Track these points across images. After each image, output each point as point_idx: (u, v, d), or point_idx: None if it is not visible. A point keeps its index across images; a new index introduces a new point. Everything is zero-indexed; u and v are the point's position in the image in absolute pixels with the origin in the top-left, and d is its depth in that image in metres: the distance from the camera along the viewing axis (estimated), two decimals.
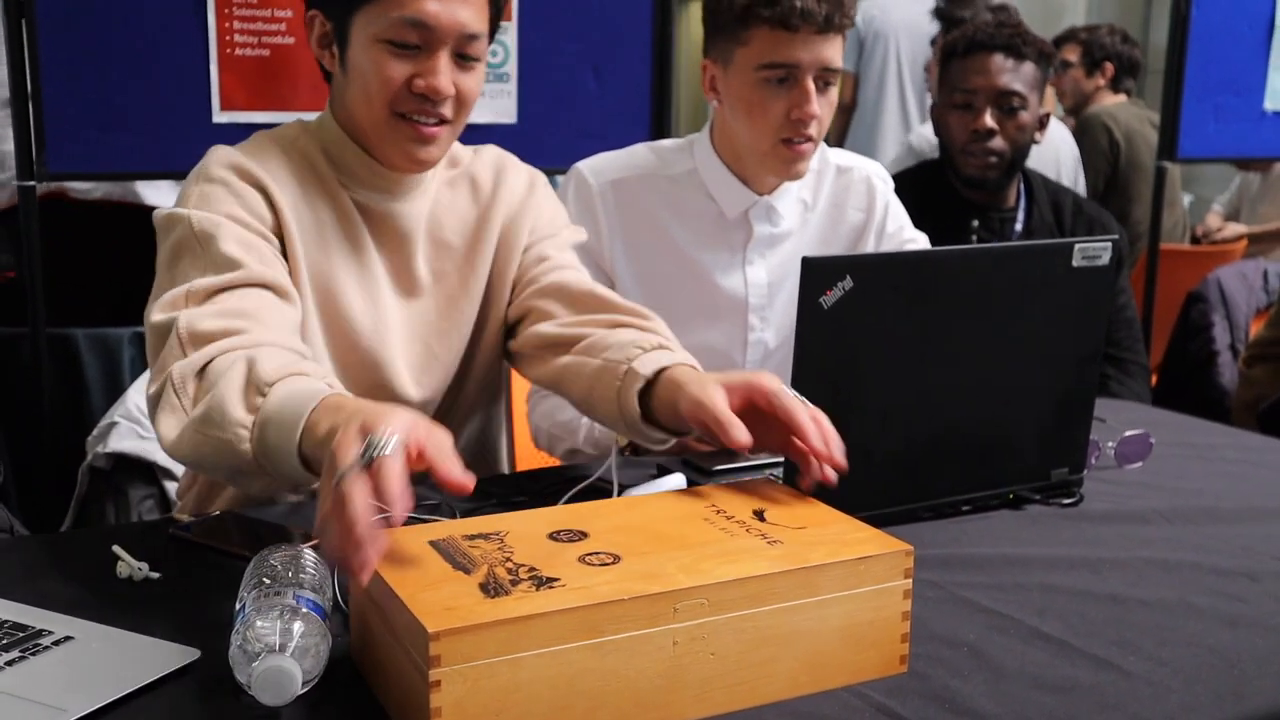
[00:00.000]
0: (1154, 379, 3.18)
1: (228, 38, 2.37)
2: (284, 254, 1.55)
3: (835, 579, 1.11)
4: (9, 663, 1.11)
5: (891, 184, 2.18)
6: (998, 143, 2.58)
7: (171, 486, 2.09)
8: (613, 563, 1.09)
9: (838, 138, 5.44)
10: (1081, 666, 1.17)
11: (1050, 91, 4.29)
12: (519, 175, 1.78)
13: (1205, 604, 1.32)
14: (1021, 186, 2.70)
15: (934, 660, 1.17)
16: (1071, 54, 4.77)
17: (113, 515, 2.07)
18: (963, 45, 2.61)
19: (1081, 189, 3.84)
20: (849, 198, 2.13)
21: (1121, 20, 6.22)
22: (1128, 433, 1.80)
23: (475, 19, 1.54)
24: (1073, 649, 1.21)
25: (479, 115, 2.55)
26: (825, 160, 2.13)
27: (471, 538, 1.14)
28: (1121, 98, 4.66)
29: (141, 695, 1.08)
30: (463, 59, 1.55)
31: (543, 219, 1.77)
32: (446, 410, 1.74)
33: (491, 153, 1.79)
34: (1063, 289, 1.57)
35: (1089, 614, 1.29)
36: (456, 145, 1.73)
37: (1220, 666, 1.18)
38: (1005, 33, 2.59)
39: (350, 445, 1.07)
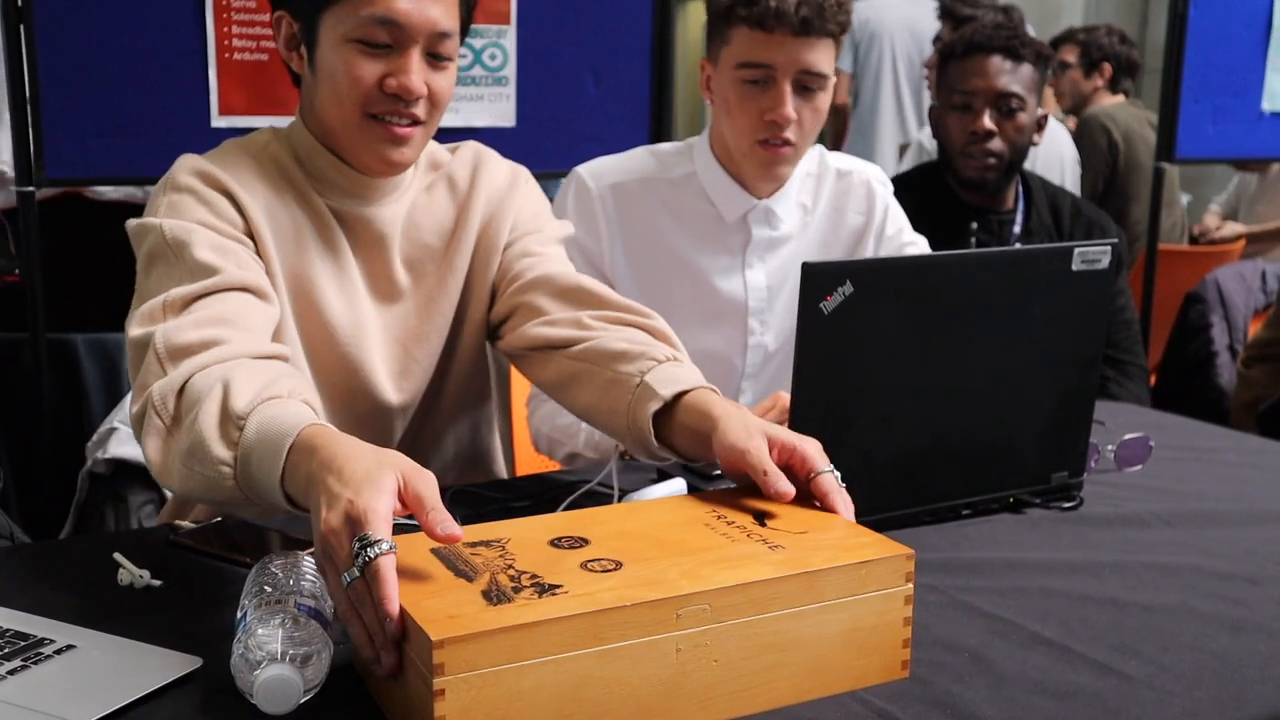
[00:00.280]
0: (1152, 380, 3.18)
1: (226, 42, 2.37)
2: (258, 254, 1.52)
3: (837, 584, 1.11)
4: (11, 672, 1.11)
5: (891, 187, 2.18)
6: (996, 144, 2.58)
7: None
8: (615, 569, 1.09)
9: (834, 138, 5.44)
10: (1083, 671, 1.17)
11: (1048, 93, 4.29)
12: (499, 170, 1.74)
13: (1206, 608, 1.32)
14: (1020, 189, 2.71)
15: (935, 665, 1.17)
16: (1070, 55, 4.78)
17: (112, 521, 2.07)
18: (960, 47, 2.61)
19: (1078, 184, 3.84)
20: (849, 201, 2.13)
21: (1119, 21, 6.22)
22: (1127, 436, 1.80)
23: (446, 17, 1.52)
24: (1074, 654, 1.21)
25: (478, 118, 2.55)
26: (825, 164, 2.13)
27: (473, 545, 1.14)
28: (1120, 98, 4.67)
29: (144, 704, 1.08)
30: (434, 58, 1.53)
31: (525, 214, 1.74)
32: (426, 412, 1.72)
33: (469, 149, 1.75)
34: (1062, 293, 1.57)
35: (1090, 618, 1.29)
36: (437, 149, 1.71)
37: (1222, 671, 1.18)
38: (1003, 34, 2.59)
39: (341, 539, 1.05)
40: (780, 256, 2.10)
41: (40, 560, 1.43)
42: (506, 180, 1.74)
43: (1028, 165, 2.73)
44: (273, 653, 1.03)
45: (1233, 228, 4.86)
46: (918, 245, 2.19)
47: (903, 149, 4.83)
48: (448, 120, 2.44)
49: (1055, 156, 3.86)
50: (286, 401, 1.25)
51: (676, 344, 1.57)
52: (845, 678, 1.12)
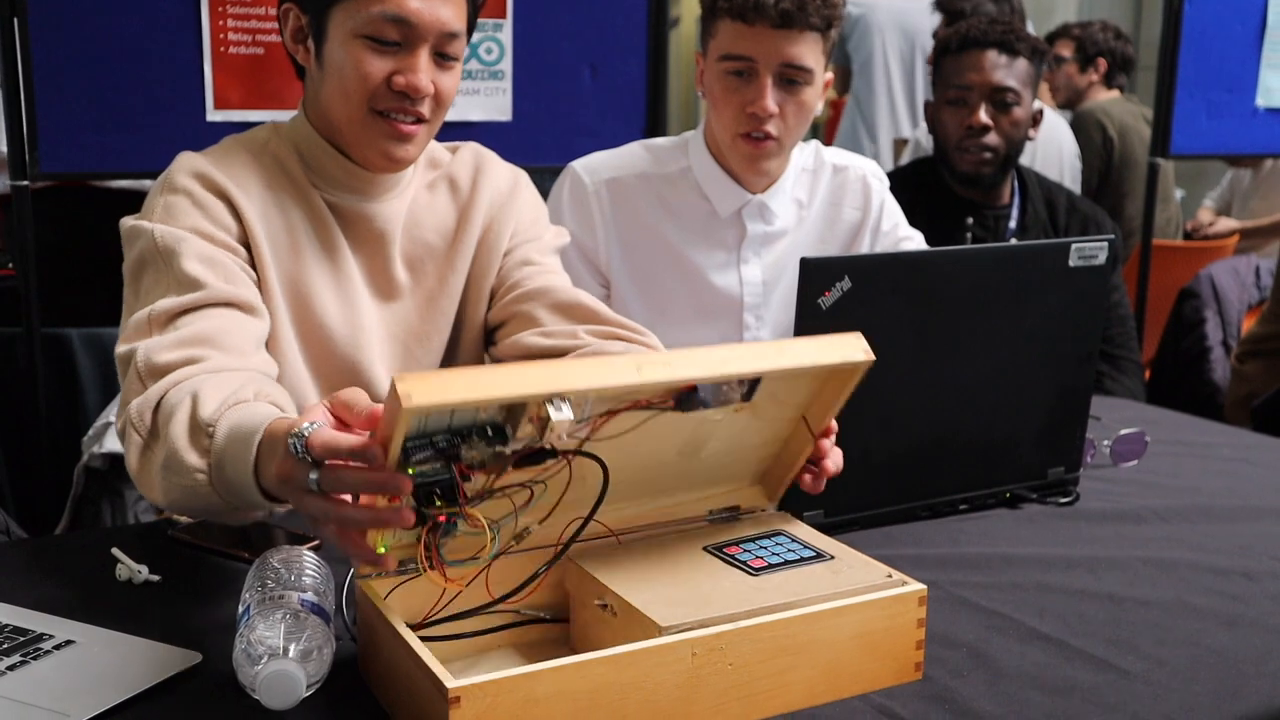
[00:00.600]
0: (1146, 375, 3.19)
1: (221, 35, 2.36)
2: (252, 263, 1.52)
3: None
4: (11, 667, 1.11)
5: (887, 182, 2.18)
6: (992, 138, 2.58)
7: None
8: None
9: (827, 131, 5.44)
10: (1080, 667, 1.18)
11: (1043, 88, 4.29)
12: (501, 173, 1.75)
13: (1202, 603, 1.33)
14: (1015, 184, 2.71)
15: (934, 660, 1.18)
16: (1065, 50, 4.78)
17: (109, 516, 2.06)
18: (956, 42, 2.61)
19: (1078, 178, 3.84)
20: (845, 196, 2.14)
21: (1113, 16, 6.22)
22: (1123, 431, 1.81)
23: (455, 17, 1.53)
24: (1071, 649, 1.21)
25: (474, 113, 2.55)
26: (821, 159, 2.13)
27: None
28: (1115, 93, 4.67)
29: (144, 699, 1.08)
30: (442, 58, 1.54)
31: (525, 219, 1.74)
32: None
33: (470, 150, 1.76)
34: (1059, 289, 1.58)
35: (1087, 614, 1.29)
36: (436, 147, 1.71)
37: (1218, 666, 1.19)
38: (998, 29, 2.60)
39: (289, 467, 1.07)
40: (776, 251, 2.10)
41: (38, 555, 1.43)
42: (508, 184, 1.74)
43: (1026, 159, 2.73)
44: (275, 648, 1.03)
45: (1226, 223, 4.87)
46: (914, 240, 2.19)
47: (898, 144, 4.83)
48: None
49: (1054, 150, 3.85)
50: (253, 404, 1.27)
51: None
52: (859, 680, 1.13)
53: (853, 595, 1.12)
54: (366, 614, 1.12)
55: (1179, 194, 5.04)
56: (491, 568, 1.14)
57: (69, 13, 2.28)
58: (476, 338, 1.73)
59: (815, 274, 1.41)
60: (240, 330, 1.42)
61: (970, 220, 2.62)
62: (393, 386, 0.96)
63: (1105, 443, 1.79)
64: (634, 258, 2.05)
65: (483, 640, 1.18)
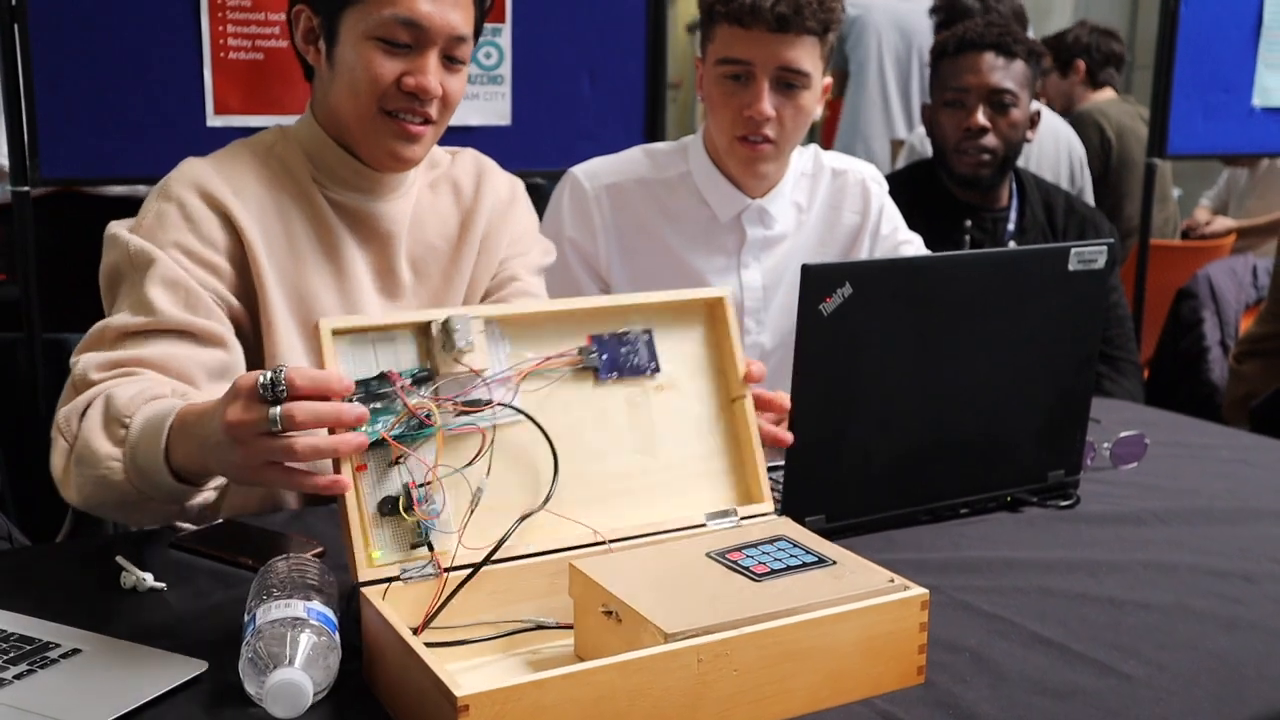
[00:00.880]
0: (1144, 375, 3.19)
1: (221, 41, 2.37)
2: (244, 276, 1.54)
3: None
4: (18, 676, 1.11)
5: (886, 186, 2.19)
6: (990, 140, 2.59)
7: None
8: None
9: (824, 134, 5.44)
10: (1082, 671, 1.18)
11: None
12: (500, 181, 1.79)
13: (1203, 607, 1.33)
14: (1014, 186, 2.72)
15: (937, 665, 1.18)
16: (1046, 60, 4.77)
17: (111, 523, 2.06)
18: (953, 45, 2.62)
19: (1089, 182, 3.84)
20: (844, 200, 2.14)
21: (1109, 18, 6.23)
22: (1123, 434, 1.81)
23: (464, 22, 1.56)
24: (1073, 653, 1.22)
25: (473, 117, 2.55)
26: (820, 163, 2.14)
27: None
28: (1109, 93, 4.66)
29: (151, 708, 1.08)
30: (450, 61, 1.57)
31: (519, 230, 1.79)
32: None
33: (471, 156, 1.79)
34: (1059, 293, 1.58)
35: (1088, 618, 1.30)
36: (434, 148, 1.74)
37: (1220, 670, 1.19)
38: (995, 31, 2.61)
39: (247, 407, 1.13)
40: (775, 256, 2.10)
41: (42, 563, 1.43)
42: (507, 192, 1.78)
43: (1033, 164, 2.74)
44: (281, 656, 1.03)
45: (1223, 222, 4.87)
46: (913, 243, 2.19)
47: (895, 146, 4.83)
48: None
49: (1065, 149, 3.83)
50: (167, 399, 1.35)
51: None
52: (862, 685, 1.13)
53: (855, 600, 1.13)
54: (372, 621, 1.13)
55: (1176, 193, 5.04)
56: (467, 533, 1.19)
57: (69, 18, 2.28)
58: None
59: (816, 280, 1.41)
60: (189, 359, 1.46)
61: (968, 222, 2.63)
62: (316, 326, 1.17)
63: (1105, 445, 1.80)
64: (634, 262, 2.06)
65: (486, 646, 1.19)
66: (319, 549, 1.40)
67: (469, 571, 1.18)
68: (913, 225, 2.23)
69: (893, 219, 2.18)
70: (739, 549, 1.22)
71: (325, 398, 1.12)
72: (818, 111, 2.01)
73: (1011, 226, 2.68)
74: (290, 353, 1.57)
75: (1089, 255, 1.59)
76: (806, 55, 1.91)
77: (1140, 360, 2.89)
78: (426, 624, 1.15)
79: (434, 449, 1.20)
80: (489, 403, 1.23)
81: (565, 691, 0.99)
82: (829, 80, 2.02)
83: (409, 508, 1.17)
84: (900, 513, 1.55)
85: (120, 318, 1.46)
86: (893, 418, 1.51)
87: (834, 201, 2.14)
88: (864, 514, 1.53)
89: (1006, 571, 1.42)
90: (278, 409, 1.11)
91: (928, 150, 2.84)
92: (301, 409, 1.11)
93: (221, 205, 1.54)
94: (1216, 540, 1.53)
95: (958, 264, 1.58)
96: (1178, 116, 3.46)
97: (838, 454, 1.50)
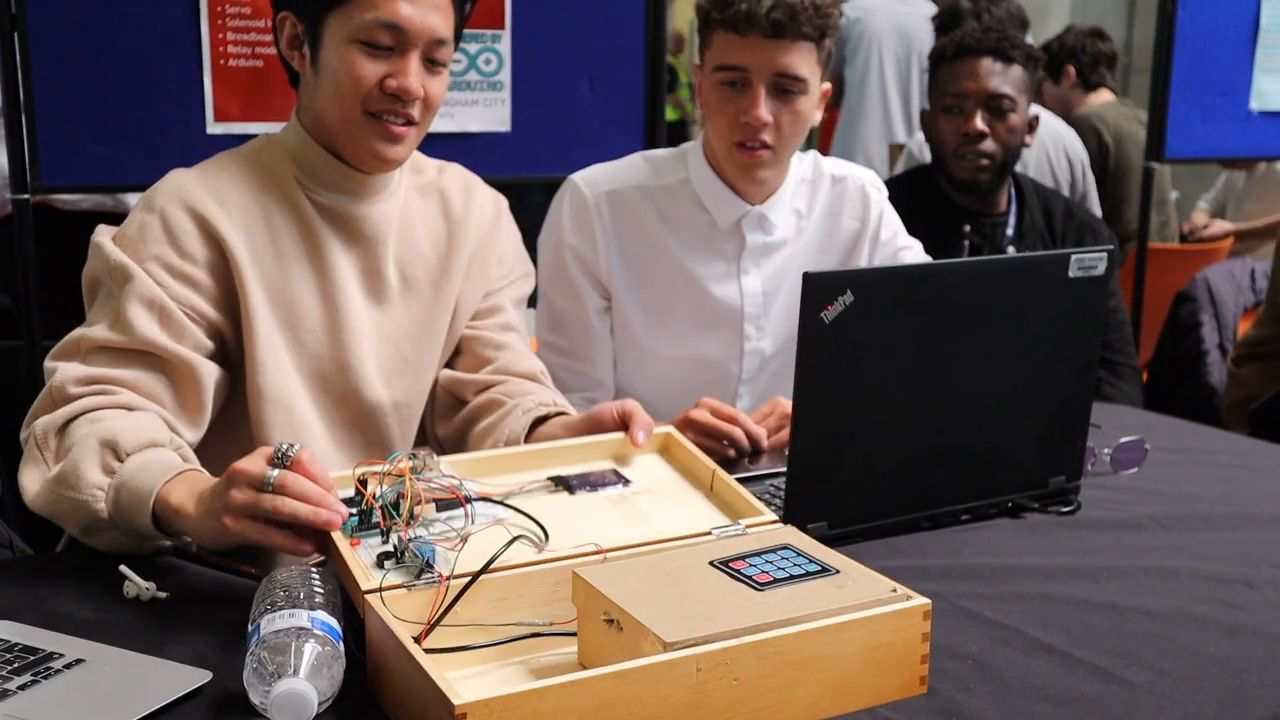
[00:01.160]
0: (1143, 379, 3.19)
1: (221, 48, 2.37)
2: (225, 285, 1.58)
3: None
4: (22, 686, 1.11)
5: (885, 192, 2.19)
6: (988, 145, 2.59)
7: None
8: None
9: (822, 140, 5.45)
10: (1085, 678, 1.18)
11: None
12: (487, 198, 1.83)
13: (1204, 613, 1.33)
14: (1012, 191, 2.72)
15: (939, 673, 1.18)
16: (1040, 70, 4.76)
17: None
18: (951, 50, 2.63)
19: (1092, 184, 3.84)
20: (844, 206, 2.14)
21: (1105, 21, 6.23)
22: (1123, 439, 1.82)
23: (444, 25, 1.61)
24: (1075, 660, 1.22)
25: (473, 123, 2.55)
26: (820, 170, 2.14)
27: None
28: (1105, 95, 4.65)
29: (155, 718, 1.08)
30: (431, 64, 1.61)
31: (506, 249, 1.83)
32: (420, 415, 1.77)
33: (458, 170, 1.83)
34: (1059, 299, 1.59)
35: (1090, 624, 1.30)
36: (419, 155, 1.78)
37: (1222, 676, 1.19)
38: (992, 37, 2.61)
39: (255, 462, 1.25)
40: (775, 262, 2.10)
41: (45, 573, 1.43)
42: (493, 210, 1.83)
43: (1030, 167, 2.74)
44: (285, 666, 1.03)
45: (1221, 225, 4.88)
46: (913, 249, 2.20)
47: (894, 150, 4.83)
48: (443, 125, 2.45)
49: (1063, 150, 3.83)
50: (169, 452, 1.43)
51: None
52: (864, 695, 1.13)
53: (857, 610, 1.13)
54: (375, 630, 1.13)
55: (1173, 195, 5.04)
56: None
57: (69, 26, 2.28)
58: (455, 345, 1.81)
59: (817, 288, 1.41)
60: (158, 383, 1.52)
61: (967, 228, 2.64)
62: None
63: (1105, 451, 1.80)
64: (634, 269, 2.06)
65: (487, 653, 1.19)
66: (322, 558, 1.40)
67: (468, 580, 1.18)
68: (911, 231, 2.24)
69: (892, 225, 2.18)
70: (742, 558, 1.22)
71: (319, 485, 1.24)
72: (816, 117, 2.01)
73: (1010, 232, 2.69)
74: (272, 359, 1.60)
75: (1089, 261, 1.59)
76: (803, 61, 1.92)
77: (1139, 364, 2.89)
78: (429, 631, 1.15)
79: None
80: (468, 499, 1.28)
81: (563, 700, 0.99)
82: (828, 86, 2.03)
83: (404, 552, 1.21)
84: (902, 519, 1.55)
85: (98, 331, 1.52)
86: (894, 424, 1.52)
87: (834, 208, 2.14)
88: (865, 521, 1.53)
89: (1008, 578, 1.42)
90: (275, 471, 1.23)
91: (927, 156, 2.85)
92: (294, 479, 1.23)
93: (204, 216, 1.57)
94: (1217, 546, 1.53)
95: (959, 271, 1.58)
96: (1175, 120, 3.47)
97: (839, 461, 1.50)
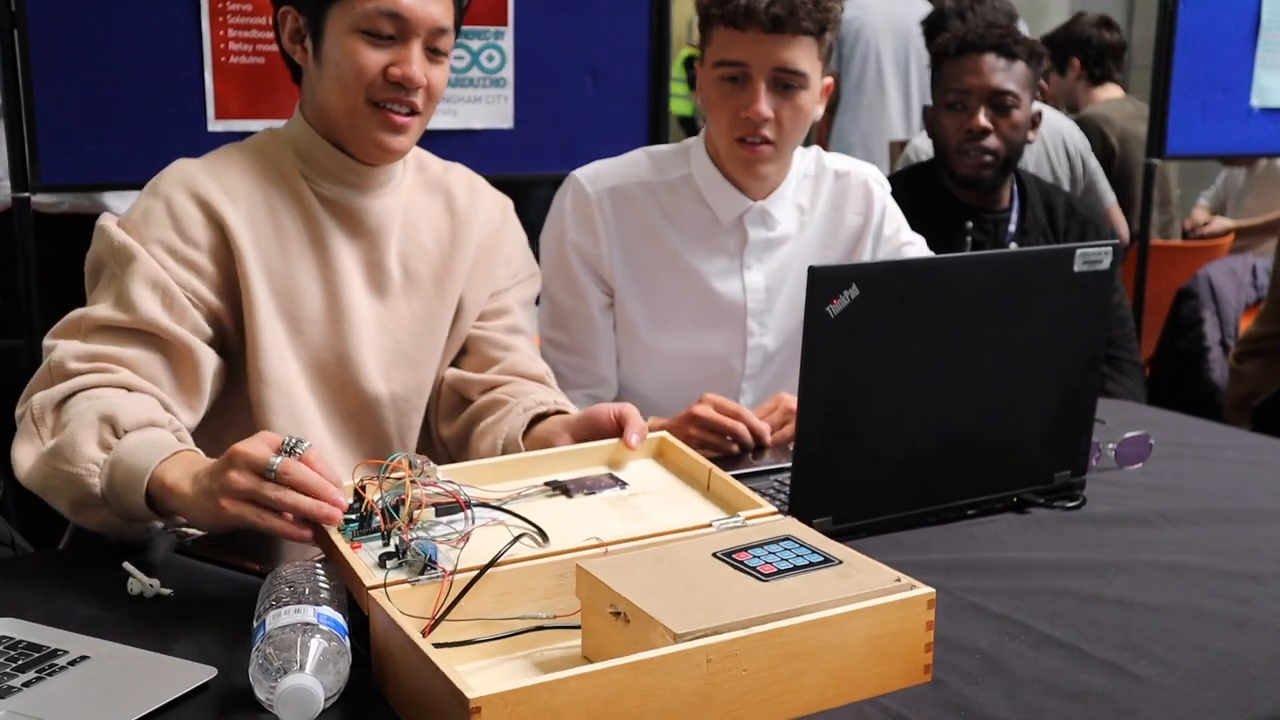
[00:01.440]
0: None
1: (222, 45, 2.36)
2: (228, 273, 1.58)
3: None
4: (27, 684, 1.11)
5: (888, 187, 2.19)
6: (992, 142, 2.59)
7: None
8: None
9: (819, 137, 5.44)
10: (1093, 672, 1.18)
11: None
12: (493, 199, 1.83)
13: (1212, 607, 1.33)
14: (1015, 187, 2.72)
15: (948, 667, 1.18)
16: (1044, 62, 4.74)
17: None
18: (954, 47, 2.63)
19: (1098, 171, 3.83)
20: (847, 201, 2.14)
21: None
22: (1128, 434, 1.81)
23: (444, 14, 1.61)
24: (1084, 654, 1.22)
25: (476, 120, 2.55)
26: (822, 165, 2.13)
27: None
28: (1112, 90, 4.63)
29: (160, 715, 1.08)
30: (432, 53, 1.62)
31: (512, 250, 1.83)
32: (418, 410, 1.77)
33: (463, 170, 1.83)
34: (1065, 294, 1.58)
35: (1098, 619, 1.30)
36: (423, 153, 1.78)
37: (1230, 670, 1.19)
38: (995, 33, 2.61)
39: (258, 447, 1.24)
40: (778, 258, 2.10)
41: (48, 570, 1.43)
42: (499, 211, 1.83)
43: (1030, 162, 2.74)
44: (291, 662, 1.03)
45: (1221, 222, 4.87)
46: (915, 245, 2.19)
47: (894, 147, 4.82)
48: (446, 122, 2.45)
49: (1060, 140, 3.82)
50: (166, 432, 1.42)
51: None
52: (869, 684, 1.13)
53: (862, 599, 1.13)
54: (381, 625, 1.12)
55: (1175, 192, 5.04)
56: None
57: (69, 23, 2.27)
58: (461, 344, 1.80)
59: (823, 282, 1.41)
60: (158, 364, 1.51)
61: (970, 224, 2.63)
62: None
63: (1110, 446, 1.79)
64: (637, 265, 2.05)
65: (491, 646, 1.18)
66: (323, 556, 1.40)
67: (474, 574, 1.18)
68: (914, 226, 2.23)
69: (895, 220, 2.18)
70: (745, 549, 1.22)
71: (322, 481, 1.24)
72: (818, 112, 2.01)
73: (1013, 228, 2.68)
74: (273, 346, 1.60)
75: (1094, 256, 1.59)
76: (803, 55, 1.91)
77: (1141, 360, 2.89)
78: (434, 626, 1.15)
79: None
80: (467, 503, 1.28)
81: (576, 692, 0.99)
82: (829, 81, 2.02)
83: (405, 551, 1.20)
84: (907, 514, 1.55)
85: (101, 310, 1.51)
86: (899, 419, 1.51)
87: (836, 203, 2.13)
88: (871, 516, 1.53)
89: (1015, 573, 1.41)
90: (278, 458, 1.23)
91: (924, 158, 2.84)
92: (297, 467, 1.23)
93: (208, 203, 1.58)
94: (1224, 541, 1.53)
95: (964, 265, 1.58)
96: (1176, 117, 3.46)
97: (844, 456, 1.50)
